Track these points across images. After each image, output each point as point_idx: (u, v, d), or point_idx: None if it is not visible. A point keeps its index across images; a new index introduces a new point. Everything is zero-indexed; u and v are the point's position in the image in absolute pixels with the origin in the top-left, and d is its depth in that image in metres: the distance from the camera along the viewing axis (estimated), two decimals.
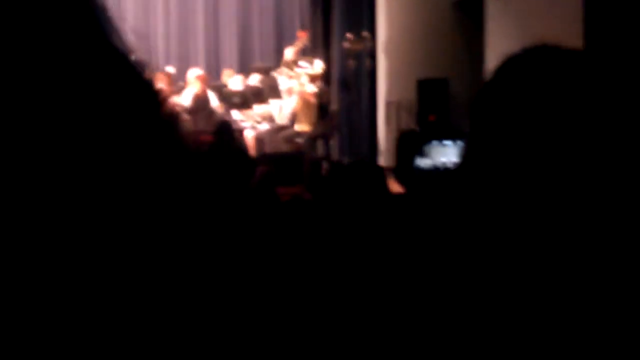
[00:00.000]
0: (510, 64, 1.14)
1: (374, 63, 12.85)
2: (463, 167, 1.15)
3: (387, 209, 4.17)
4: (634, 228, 1.05)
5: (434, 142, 7.23)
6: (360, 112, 13.33)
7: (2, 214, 0.49)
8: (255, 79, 13.17)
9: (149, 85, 0.60)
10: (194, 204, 0.59)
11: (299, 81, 12.52)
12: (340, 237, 3.96)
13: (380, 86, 12.70)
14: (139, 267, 0.53)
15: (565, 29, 7.66)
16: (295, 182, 7.83)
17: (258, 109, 12.73)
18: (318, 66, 12.64)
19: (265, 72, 13.40)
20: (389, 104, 12.26)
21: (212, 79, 13.42)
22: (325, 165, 7.60)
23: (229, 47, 15.72)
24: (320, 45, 14.10)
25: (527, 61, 1.13)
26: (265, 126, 12.63)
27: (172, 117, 0.60)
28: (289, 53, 13.45)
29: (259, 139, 12.48)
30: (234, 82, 13.25)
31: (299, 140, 12.25)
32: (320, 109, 12.36)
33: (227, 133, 7.60)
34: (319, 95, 12.35)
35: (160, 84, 12.13)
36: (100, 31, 0.57)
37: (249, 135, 12.43)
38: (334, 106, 13.06)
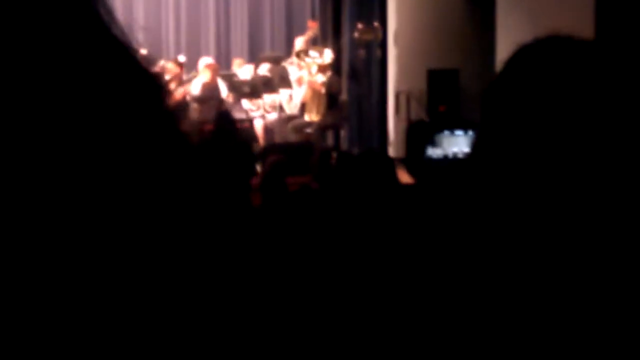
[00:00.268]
0: (522, 54, 1.13)
1: (384, 53, 12.82)
2: (474, 157, 1.15)
3: (397, 200, 4.17)
4: None
5: (446, 132, 7.22)
6: (370, 102, 13.31)
7: None
8: (265, 69, 13.16)
9: (149, 74, 0.59)
10: (192, 197, 0.58)
11: (308, 71, 12.51)
12: (349, 227, 3.96)
13: (391, 76, 12.68)
14: (136, 263, 0.53)
15: (577, 20, 7.63)
16: (304, 172, 7.83)
17: (268, 98, 12.73)
18: (328, 56, 12.62)
19: (275, 61, 13.39)
20: (399, 95, 12.24)
21: (222, 68, 13.42)
22: (334, 155, 7.58)
23: (240, 36, 15.70)
24: (330, 35, 14.08)
25: (540, 51, 1.12)
26: (274, 116, 12.63)
27: (174, 107, 0.60)
28: (299, 43, 13.43)
29: (268, 129, 12.48)
30: (244, 71, 13.24)
31: (309, 130, 12.24)
32: (330, 98, 12.35)
33: (227, 123, 7.57)
34: (329, 85, 12.33)
35: (171, 72, 12.14)
36: (98, 20, 0.56)
37: (258, 125, 12.43)
38: (343, 96, 13.05)
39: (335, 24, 14.25)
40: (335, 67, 12.87)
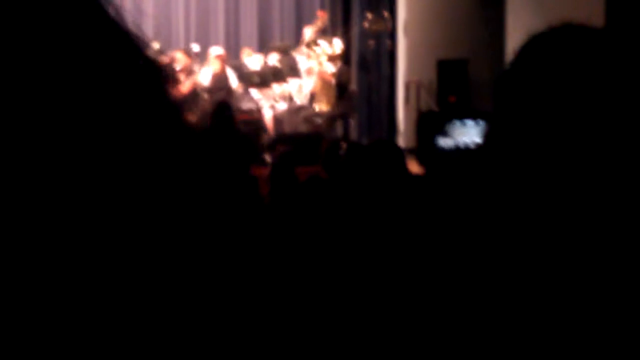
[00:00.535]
0: (535, 43, 1.13)
1: (394, 43, 12.80)
2: (486, 147, 1.14)
3: (406, 190, 4.16)
4: None
5: (456, 122, 7.20)
6: (379, 92, 13.30)
7: None
8: (274, 59, 13.15)
9: (154, 63, 0.58)
10: (195, 189, 0.58)
11: (318, 61, 12.49)
12: (358, 217, 3.96)
13: (400, 66, 12.66)
14: (138, 258, 0.53)
15: (587, 8, 7.60)
16: (313, 162, 7.82)
17: (277, 88, 12.71)
18: (337, 46, 12.60)
19: (285, 51, 13.37)
20: (408, 85, 12.22)
21: (232, 58, 13.41)
22: (344, 145, 7.58)
23: (249, 26, 15.68)
24: (339, 25, 14.06)
25: (553, 40, 1.11)
26: (284, 106, 12.62)
27: (182, 97, 0.59)
28: (308, 33, 13.41)
29: (278, 119, 12.47)
30: (254, 61, 13.23)
31: (318, 120, 12.23)
32: (340, 88, 12.33)
33: (225, 114, 7.53)
34: (338, 75, 12.31)
35: (180, 63, 12.14)
36: (100, 9, 0.56)
37: (267, 115, 12.43)
38: (353, 86, 13.03)
39: (344, 14, 14.23)
40: (344, 57, 12.84)
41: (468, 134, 7.02)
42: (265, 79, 12.67)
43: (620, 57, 1.07)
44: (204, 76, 12.26)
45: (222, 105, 8.00)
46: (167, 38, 14.31)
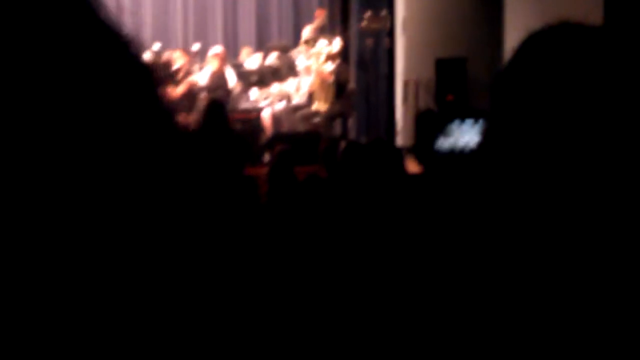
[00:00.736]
0: (532, 41, 1.12)
1: (392, 42, 12.80)
2: (483, 146, 1.14)
3: (404, 189, 4.17)
4: None
5: (456, 121, 7.20)
6: (377, 91, 13.30)
7: None
8: (273, 58, 13.16)
9: (144, 65, 0.58)
10: (187, 189, 0.58)
11: (316, 60, 12.49)
12: (357, 216, 3.96)
13: (399, 65, 12.66)
14: (133, 259, 0.53)
15: (586, 7, 7.60)
16: (311, 161, 7.83)
17: (275, 87, 12.72)
18: (336, 44, 12.60)
19: (283, 50, 13.38)
20: (407, 83, 12.22)
21: (230, 57, 13.41)
22: (342, 144, 7.58)
23: (247, 25, 15.69)
24: (338, 24, 14.06)
25: (550, 38, 1.11)
26: (282, 105, 12.62)
27: (180, 97, 0.59)
28: (306, 32, 13.42)
29: (276, 118, 12.47)
30: (252, 60, 13.24)
31: (316, 119, 12.24)
32: (338, 87, 12.34)
33: (218, 113, 7.51)
34: (337, 74, 12.31)
35: (180, 61, 12.15)
36: (90, 11, 0.55)
37: (266, 114, 12.44)
38: (351, 85, 13.04)
39: (343, 12, 14.23)
40: (343, 56, 12.85)
41: (467, 133, 7.01)
42: (264, 78, 12.68)
43: (617, 55, 1.07)
44: (203, 75, 12.26)
45: (214, 105, 7.99)
46: (165, 37, 14.32)
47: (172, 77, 11.57)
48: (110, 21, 0.56)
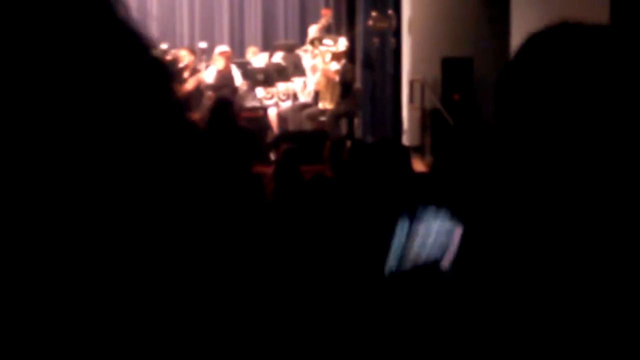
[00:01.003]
0: (532, 43, 1.13)
1: (399, 41, 12.78)
2: (489, 148, 1.14)
3: (411, 189, 4.16)
4: None
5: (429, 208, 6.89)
6: (383, 90, 13.28)
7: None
8: (279, 57, 13.14)
9: (157, 62, 0.58)
10: (198, 187, 0.58)
11: (322, 59, 12.48)
12: (363, 215, 3.96)
13: (405, 65, 12.65)
14: (139, 257, 0.52)
15: (592, 7, 7.59)
16: (318, 160, 7.82)
17: (281, 86, 12.71)
18: (342, 44, 12.59)
19: (289, 49, 13.37)
20: (413, 83, 12.21)
21: (237, 56, 13.40)
22: (348, 143, 7.57)
23: (254, 24, 15.68)
24: (344, 24, 14.05)
25: (549, 40, 1.11)
26: (288, 104, 12.61)
27: (186, 95, 0.59)
28: (312, 31, 13.40)
29: (282, 117, 12.46)
30: (258, 59, 13.23)
31: (322, 118, 12.23)
32: (344, 87, 12.32)
33: (226, 111, 7.49)
34: (343, 73, 12.29)
35: (186, 60, 12.14)
36: (107, 8, 0.56)
37: (272, 113, 12.42)
38: (357, 84, 13.02)
39: (349, 12, 14.22)
40: (349, 55, 12.83)
41: (435, 232, 6.49)
42: (270, 77, 12.67)
43: (617, 54, 1.07)
44: (209, 74, 12.26)
45: (222, 103, 7.97)
46: (171, 36, 14.31)
47: (178, 76, 11.55)
48: (128, 20, 0.57)
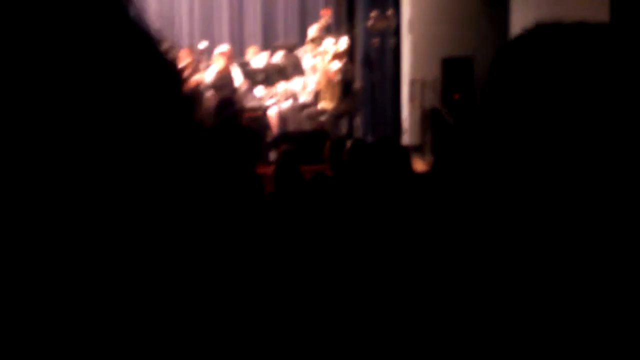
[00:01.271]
0: (507, 50, 1.13)
1: (398, 41, 12.79)
2: (479, 151, 1.15)
3: (411, 188, 4.16)
4: None
5: None
6: (384, 90, 13.29)
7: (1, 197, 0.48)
8: (279, 57, 13.14)
9: (167, 60, 0.59)
10: (204, 185, 0.58)
11: (322, 58, 12.48)
12: (363, 214, 3.96)
13: (405, 64, 12.65)
14: (141, 257, 0.52)
15: (591, 6, 7.58)
16: (318, 160, 7.82)
17: (281, 86, 12.71)
18: (342, 43, 12.58)
19: (290, 49, 13.37)
20: (413, 83, 12.21)
21: (237, 56, 13.40)
22: (348, 143, 7.57)
23: (253, 24, 15.68)
24: (344, 23, 14.05)
25: (523, 46, 1.11)
26: (288, 104, 12.61)
27: (191, 94, 0.59)
28: (312, 31, 13.40)
29: (282, 117, 12.46)
30: (258, 59, 13.23)
31: (322, 118, 12.23)
32: (344, 86, 12.32)
33: (229, 111, 7.49)
34: (343, 73, 12.30)
35: (185, 60, 12.14)
36: (119, 7, 0.56)
37: (272, 113, 12.42)
38: (357, 84, 13.03)
39: (349, 11, 14.22)
40: (349, 55, 12.84)
41: None
42: (270, 76, 12.66)
43: (595, 51, 1.07)
44: (209, 74, 12.26)
45: (225, 102, 7.98)
46: (171, 36, 14.27)
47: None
48: (140, 19, 0.57)
